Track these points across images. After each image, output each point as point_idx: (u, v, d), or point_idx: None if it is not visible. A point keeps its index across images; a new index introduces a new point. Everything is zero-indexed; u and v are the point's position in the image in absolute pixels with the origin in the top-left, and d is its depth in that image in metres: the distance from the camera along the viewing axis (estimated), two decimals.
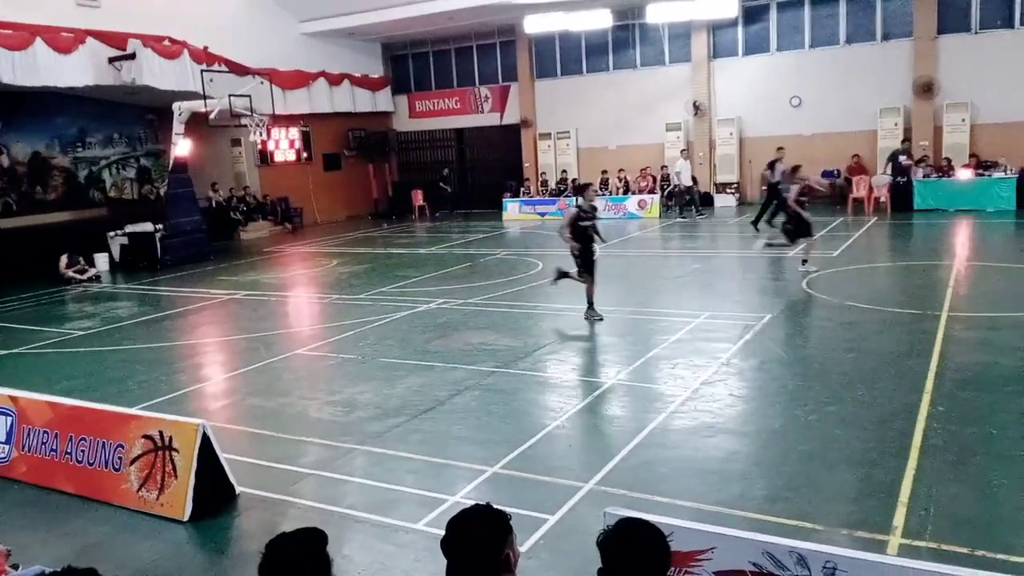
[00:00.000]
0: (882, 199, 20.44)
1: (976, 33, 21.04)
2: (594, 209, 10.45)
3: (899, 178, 20.13)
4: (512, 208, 24.69)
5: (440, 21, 24.50)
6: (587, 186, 10.78)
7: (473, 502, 3.02)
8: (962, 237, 16.24)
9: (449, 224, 24.25)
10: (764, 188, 20.18)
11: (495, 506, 2.48)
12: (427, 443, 6.63)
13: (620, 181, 24.09)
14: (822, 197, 19.00)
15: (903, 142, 20.29)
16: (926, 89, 21.24)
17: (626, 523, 2.55)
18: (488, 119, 28.21)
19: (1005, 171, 19.63)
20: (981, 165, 20.10)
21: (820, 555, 3.35)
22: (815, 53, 22.98)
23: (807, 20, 23.08)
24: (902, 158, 19.82)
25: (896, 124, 21.78)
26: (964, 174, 19.69)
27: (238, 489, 5.80)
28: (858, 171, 21.51)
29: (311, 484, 6.03)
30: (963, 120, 21.05)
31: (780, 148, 19.55)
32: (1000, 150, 20.43)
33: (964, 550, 4.45)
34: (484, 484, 5.74)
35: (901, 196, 20.00)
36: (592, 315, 10.34)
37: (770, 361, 8.31)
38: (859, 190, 20.86)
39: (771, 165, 19.08)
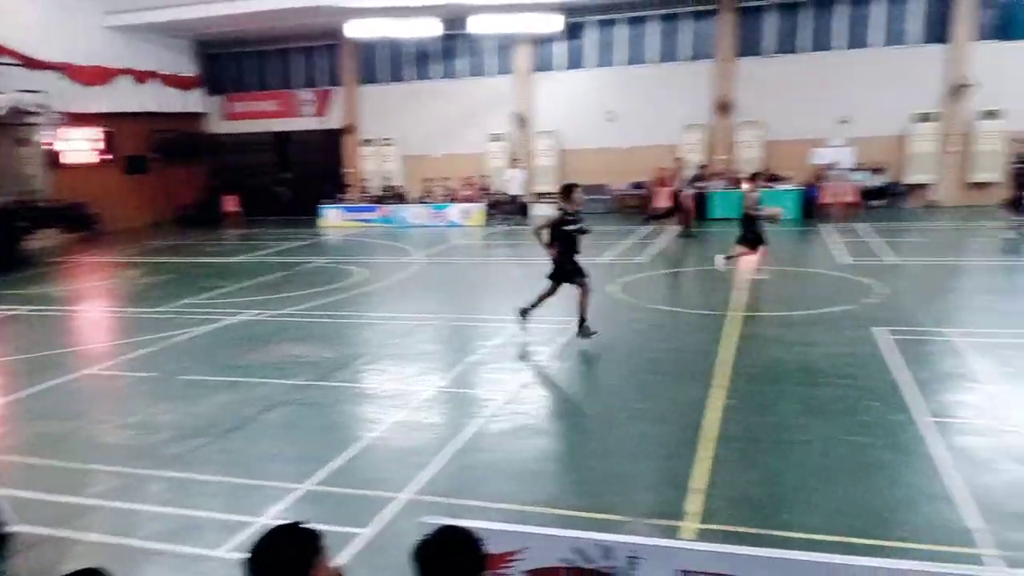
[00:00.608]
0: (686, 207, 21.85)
1: (771, 56, 23.12)
2: (578, 213, 9.42)
3: (698, 190, 21.71)
4: (332, 215, 24.16)
5: (259, 20, 23.57)
6: (574, 187, 9.58)
7: (280, 522, 2.89)
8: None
9: (264, 231, 23.31)
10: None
11: (305, 524, 2.38)
12: (233, 463, 6.30)
13: (444, 190, 24.23)
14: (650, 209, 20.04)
15: (701, 165, 21.75)
16: (724, 107, 23.05)
17: (441, 531, 2.54)
18: (310, 123, 27.49)
19: (790, 184, 21.69)
20: (770, 178, 22.04)
21: (624, 545, 3.49)
22: (630, 70, 24.30)
23: (622, 38, 24.38)
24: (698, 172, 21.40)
25: (698, 140, 23.46)
26: (772, 210, 21.44)
27: (14, 528, 5.22)
28: (661, 183, 22.91)
29: (101, 516, 5.53)
30: (756, 137, 23.03)
31: (678, 158, 20.44)
32: (788, 164, 22.57)
33: (751, 530, 4.82)
34: (296, 503, 5.53)
35: (700, 206, 21.54)
36: (586, 332, 9.26)
37: (583, 363, 8.65)
38: (661, 200, 22.16)
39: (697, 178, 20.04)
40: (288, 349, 9.63)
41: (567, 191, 9.51)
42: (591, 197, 24.41)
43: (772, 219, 13.29)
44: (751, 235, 12.77)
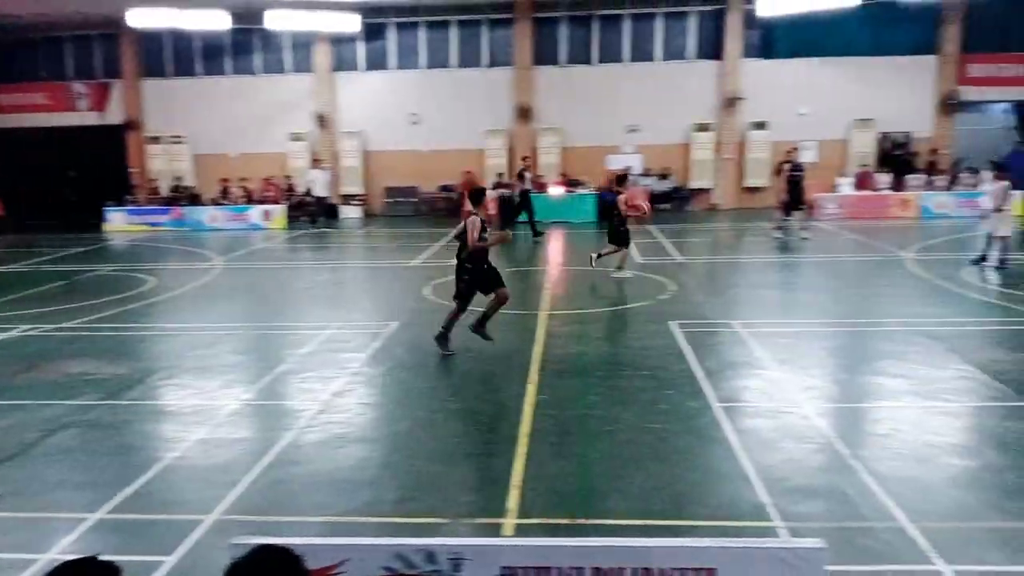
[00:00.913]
0: (491, 211, 22.34)
1: (564, 67, 24.14)
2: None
3: (504, 193, 22.26)
4: (117, 218, 22.27)
5: (28, 4, 21.16)
6: (483, 192, 9.46)
7: (72, 556, 2.59)
8: (556, 244, 18.46)
9: (39, 237, 21.00)
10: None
11: (100, 557, 2.15)
12: (12, 495, 5.61)
13: (242, 191, 23.09)
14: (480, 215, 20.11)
15: (522, 167, 22.12)
16: (524, 114, 23.80)
17: (256, 551, 2.39)
18: (88, 118, 25.10)
19: (587, 189, 22.83)
20: (569, 183, 23.09)
21: (446, 548, 3.49)
22: (431, 73, 24.41)
23: (423, 42, 24.44)
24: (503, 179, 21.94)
25: (501, 144, 24.06)
26: (556, 190, 22.42)
27: None
28: (469, 186, 23.25)
29: None
30: (555, 143, 24.00)
31: (526, 157, 20.30)
32: (583, 170, 23.74)
33: (566, 520, 5.00)
34: (88, 533, 5.02)
35: (508, 210, 22.10)
36: (444, 345, 8.83)
37: (397, 367, 8.56)
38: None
39: (520, 175, 19.93)
40: (71, 366, 8.73)
41: (478, 197, 9.25)
42: (399, 200, 24.42)
43: (640, 218, 14.08)
44: (620, 234, 13.34)
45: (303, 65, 24.57)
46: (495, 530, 4.89)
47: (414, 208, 24.48)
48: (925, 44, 23.34)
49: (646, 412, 6.90)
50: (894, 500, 5.12)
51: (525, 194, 19.64)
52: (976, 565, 4.35)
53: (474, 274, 8.84)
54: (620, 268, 13.34)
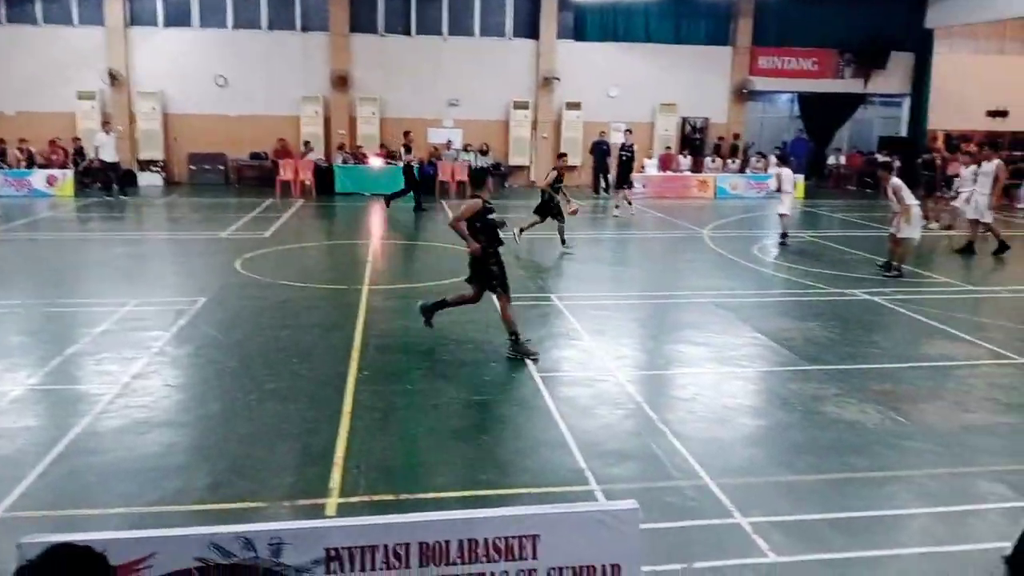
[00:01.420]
0: (307, 182, 21.61)
1: (383, 36, 23.60)
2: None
3: (322, 163, 21.67)
4: None
5: None
6: (487, 172, 8.31)
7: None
8: (377, 218, 18.14)
9: None
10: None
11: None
12: None
13: (22, 153, 20.69)
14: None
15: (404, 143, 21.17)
16: (341, 82, 23.07)
17: (50, 550, 2.14)
18: None
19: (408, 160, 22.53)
20: (389, 155, 22.71)
21: (265, 533, 3.33)
22: (239, 34, 23.00)
23: (230, 0, 22.94)
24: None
25: (316, 112, 23.22)
26: (375, 162, 22.00)
27: None
28: (284, 154, 22.31)
29: None
30: (373, 113, 23.48)
31: (407, 132, 19.61)
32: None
33: (391, 497, 4.95)
34: None
35: (325, 180, 21.47)
36: (525, 350, 7.62)
37: (207, 346, 8.06)
38: (286, 173, 21.63)
39: (407, 148, 19.03)
40: None
41: (480, 177, 8.18)
42: (206, 167, 22.92)
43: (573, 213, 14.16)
44: (547, 208, 13.75)
45: (93, 17, 22.30)
46: (317, 511, 4.75)
47: (222, 176, 23.08)
48: (721, 35, 25.09)
49: (471, 384, 6.97)
50: (697, 460, 5.51)
51: (408, 169, 19.13)
52: (768, 516, 4.77)
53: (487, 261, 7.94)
54: (524, 230, 13.93)
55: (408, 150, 19.03)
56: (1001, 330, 9.09)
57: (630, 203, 18.77)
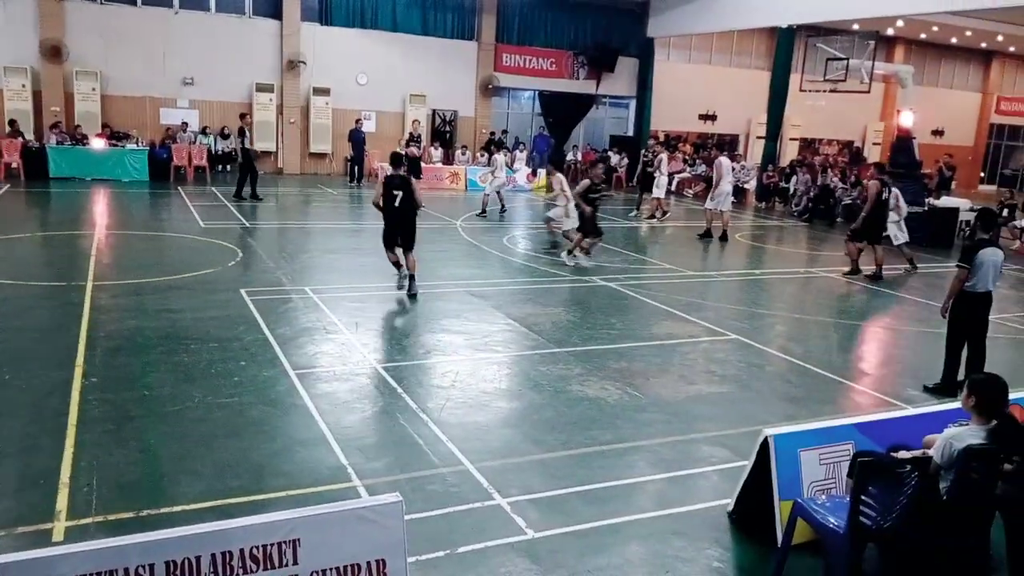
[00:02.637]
0: (14, 165, 19.02)
1: (102, 4, 21.26)
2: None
3: (32, 144, 19.19)
4: None
5: None
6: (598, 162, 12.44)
7: None
8: (101, 206, 16.40)
9: None
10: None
11: None
12: None
13: None
14: None
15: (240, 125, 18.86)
16: (55, 53, 20.50)
17: None
18: None
19: (137, 143, 20.63)
20: (114, 135, 20.62)
21: None
22: (204, 17, 19.69)
23: None
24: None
25: (24, 86, 20.46)
26: (98, 143, 19.86)
27: None
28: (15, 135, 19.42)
29: None
30: (94, 89, 21.15)
31: (244, 115, 18.67)
32: (130, 122, 21.40)
33: (131, 515, 4.50)
34: None
35: (36, 163, 19.00)
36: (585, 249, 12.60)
37: None
38: None
39: (241, 132, 17.78)
40: None
41: (593, 164, 13.13)
42: None
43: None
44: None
45: None
46: (43, 539, 4.18)
47: None
48: (467, 30, 25.76)
49: (217, 386, 6.52)
50: (457, 445, 5.63)
51: (245, 153, 17.73)
52: (525, 495, 5.00)
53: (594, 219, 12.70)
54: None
55: (242, 133, 17.91)
56: (714, 310, 10.27)
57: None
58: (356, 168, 22.51)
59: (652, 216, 18.66)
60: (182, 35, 21.97)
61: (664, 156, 18.72)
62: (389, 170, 10.79)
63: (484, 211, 17.71)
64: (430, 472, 5.24)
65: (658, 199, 18.61)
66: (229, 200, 17.48)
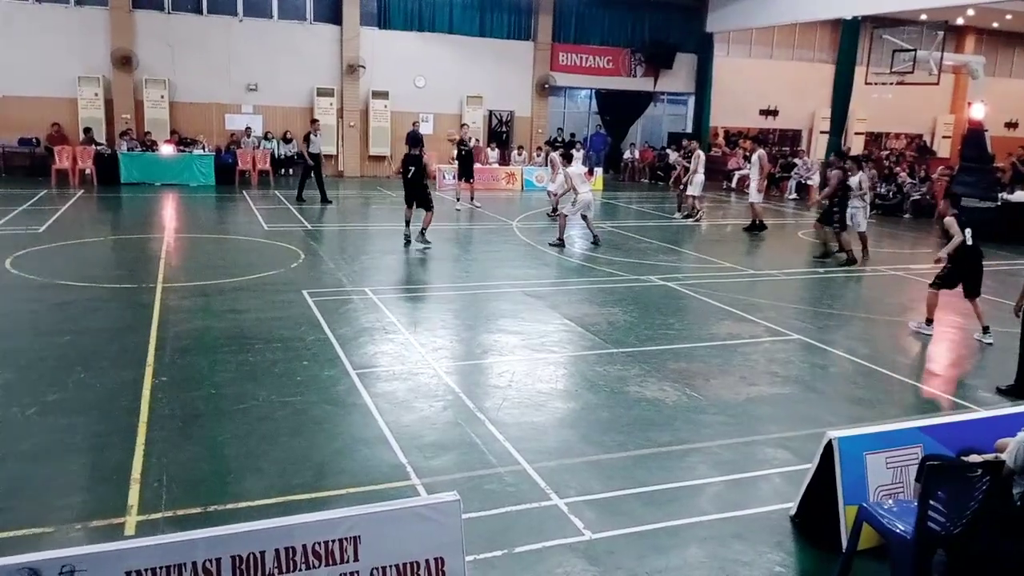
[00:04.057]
0: (88, 171, 19.78)
1: (170, 13, 21.97)
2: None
3: (104, 150, 19.93)
4: None
5: None
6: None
7: None
8: (170, 210, 16.93)
9: None
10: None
11: None
12: None
13: None
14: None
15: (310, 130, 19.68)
16: (125, 62, 21.26)
17: None
18: None
19: (204, 148, 21.24)
20: (182, 141, 21.26)
21: (55, 561, 3.03)
22: (6, 5, 20.51)
23: None
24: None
25: (96, 94, 21.26)
26: (166, 149, 20.52)
27: None
28: (60, 140, 20.25)
29: None
30: (162, 96, 21.86)
31: (314, 120, 18.79)
32: (197, 128, 22.04)
33: (198, 510, 4.63)
34: None
35: (108, 169, 19.73)
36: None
37: None
38: (62, 161, 19.65)
39: (306, 137, 18.17)
40: None
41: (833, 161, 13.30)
42: None
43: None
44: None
45: None
46: (115, 532, 4.35)
47: None
48: (523, 31, 25.80)
49: (281, 385, 6.67)
50: (514, 445, 5.64)
51: (316, 157, 18.21)
52: (582, 496, 4.98)
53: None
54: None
55: (307, 138, 18.27)
56: (775, 309, 10.07)
57: (472, 196, 19.02)
58: None
59: (689, 215, 17.93)
60: (245, 42, 22.56)
61: (701, 154, 18.15)
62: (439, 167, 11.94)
63: (555, 209, 16.84)
64: (487, 471, 5.26)
65: (693, 197, 17.72)
66: (292, 203, 17.86)
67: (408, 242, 13.05)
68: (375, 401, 6.37)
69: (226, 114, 22.72)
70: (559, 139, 24.73)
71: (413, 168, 12.93)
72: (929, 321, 9.18)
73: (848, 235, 13.43)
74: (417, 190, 13.06)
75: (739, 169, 24.80)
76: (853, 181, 13.59)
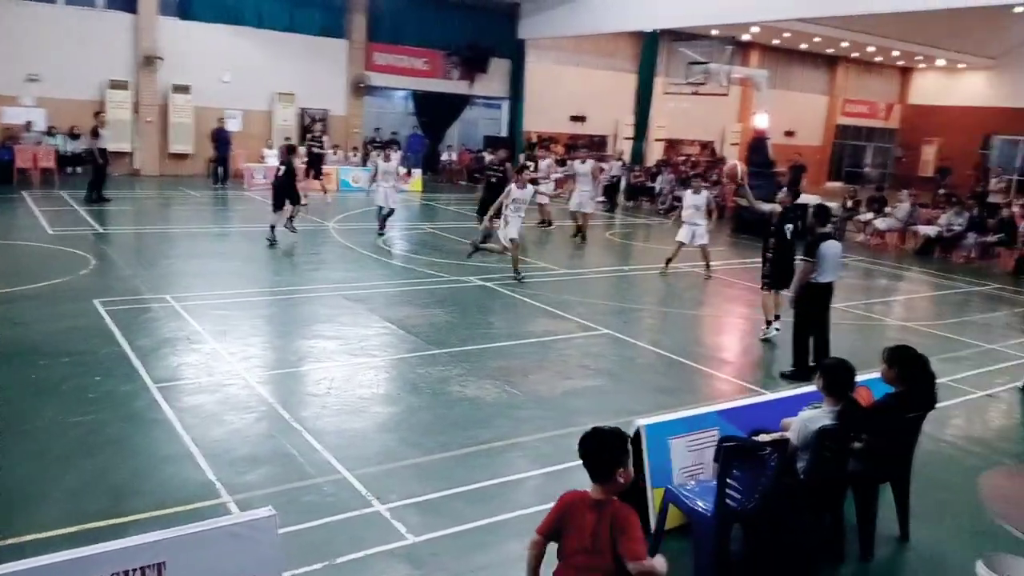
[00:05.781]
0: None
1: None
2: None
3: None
4: None
5: None
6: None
7: None
8: None
9: None
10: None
11: None
12: None
13: None
14: None
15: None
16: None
17: None
18: None
19: None
20: None
21: None
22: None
23: None
24: None
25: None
26: None
27: None
28: None
29: None
30: None
31: (98, 113, 17.68)
32: None
33: None
34: None
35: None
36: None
37: None
38: None
39: (94, 132, 17.04)
40: None
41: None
42: None
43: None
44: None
45: None
46: None
47: None
48: (336, 28, 25.23)
49: (71, 403, 6.09)
50: (334, 454, 5.50)
51: (103, 154, 16.93)
52: (404, 500, 4.94)
53: None
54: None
55: (95, 133, 16.94)
56: (586, 306, 10.53)
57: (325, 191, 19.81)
58: (221, 169, 21.59)
59: (546, 223, 17.56)
60: (25, 29, 20.38)
61: (550, 159, 18.31)
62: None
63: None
64: (305, 483, 5.09)
65: (542, 205, 17.29)
66: (80, 204, 16.38)
67: (274, 244, 13.39)
68: (179, 416, 5.98)
69: (3, 107, 20.43)
70: (377, 139, 24.45)
71: (284, 168, 14.04)
72: (768, 323, 9.40)
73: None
74: (286, 190, 13.91)
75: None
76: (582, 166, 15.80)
